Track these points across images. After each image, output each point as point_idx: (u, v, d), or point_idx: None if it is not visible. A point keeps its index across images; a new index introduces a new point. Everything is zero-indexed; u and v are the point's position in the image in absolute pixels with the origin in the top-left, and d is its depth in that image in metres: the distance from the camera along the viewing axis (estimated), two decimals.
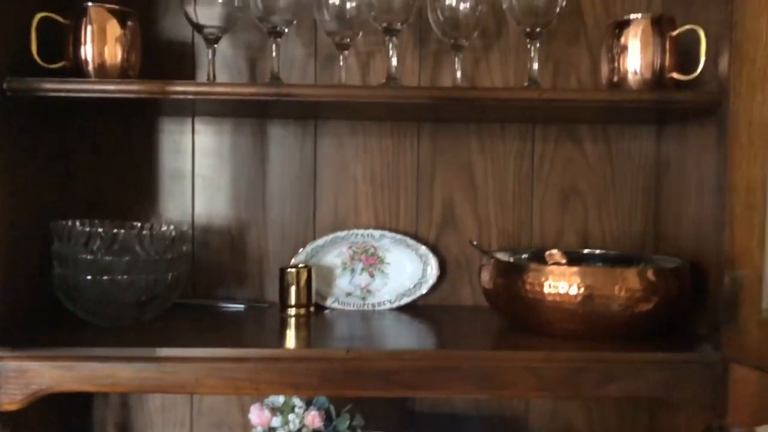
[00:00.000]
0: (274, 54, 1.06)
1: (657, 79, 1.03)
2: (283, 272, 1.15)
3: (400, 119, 1.24)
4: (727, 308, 0.92)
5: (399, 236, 1.22)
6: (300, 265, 1.16)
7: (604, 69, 1.09)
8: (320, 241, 1.21)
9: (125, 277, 0.99)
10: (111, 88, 0.97)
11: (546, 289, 0.98)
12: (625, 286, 0.96)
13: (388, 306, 1.22)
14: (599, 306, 0.97)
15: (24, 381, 0.91)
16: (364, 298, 1.22)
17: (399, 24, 1.05)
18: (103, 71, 1.01)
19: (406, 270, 1.23)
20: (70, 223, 1.03)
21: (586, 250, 1.21)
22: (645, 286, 0.97)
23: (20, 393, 0.91)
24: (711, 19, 1.00)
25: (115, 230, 1.02)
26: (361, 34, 1.13)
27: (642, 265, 1.10)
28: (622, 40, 1.05)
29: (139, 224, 1.11)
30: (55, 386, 0.91)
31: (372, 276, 1.24)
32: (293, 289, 1.14)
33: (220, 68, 1.18)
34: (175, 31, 1.21)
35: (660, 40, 1.03)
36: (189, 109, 1.17)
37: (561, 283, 0.98)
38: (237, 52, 1.22)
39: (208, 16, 1.04)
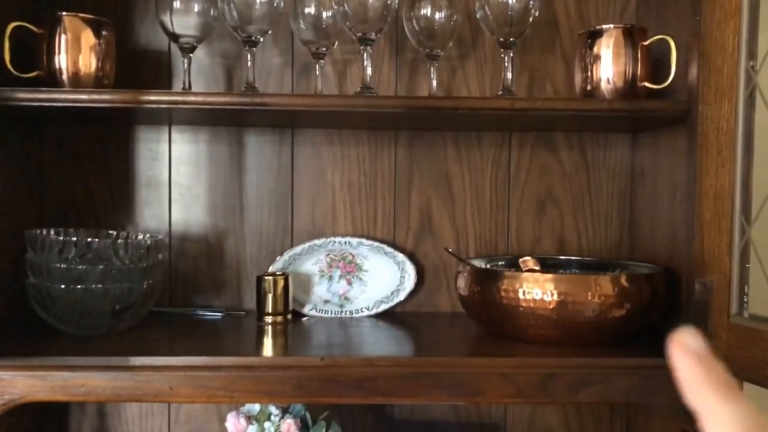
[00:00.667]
0: (249, 63, 1.06)
1: (629, 88, 1.05)
2: (260, 280, 1.15)
3: (376, 128, 1.24)
4: (698, 314, 0.93)
5: (376, 244, 1.22)
6: (277, 273, 1.16)
7: (578, 78, 1.10)
8: (298, 249, 1.21)
9: (99, 285, 0.99)
10: (84, 98, 0.96)
11: (521, 296, 0.99)
12: (599, 292, 0.97)
13: (365, 313, 1.22)
14: (573, 312, 0.97)
15: None
16: (341, 306, 1.22)
17: (374, 34, 1.06)
18: (77, 81, 1.00)
19: (383, 277, 1.23)
20: (44, 231, 1.02)
21: (562, 257, 1.22)
22: (618, 292, 0.98)
23: None
24: (681, 29, 1.01)
25: (89, 239, 1.01)
26: (337, 43, 1.14)
27: (616, 271, 1.11)
28: (595, 49, 1.06)
29: (114, 233, 1.11)
30: (28, 396, 0.90)
31: (350, 283, 1.24)
32: (270, 296, 1.14)
33: (197, 77, 1.18)
34: (152, 40, 1.21)
35: (632, 49, 1.04)
36: (165, 118, 1.17)
37: (535, 289, 0.98)
38: (214, 60, 1.22)
39: (184, 25, 1.04)
